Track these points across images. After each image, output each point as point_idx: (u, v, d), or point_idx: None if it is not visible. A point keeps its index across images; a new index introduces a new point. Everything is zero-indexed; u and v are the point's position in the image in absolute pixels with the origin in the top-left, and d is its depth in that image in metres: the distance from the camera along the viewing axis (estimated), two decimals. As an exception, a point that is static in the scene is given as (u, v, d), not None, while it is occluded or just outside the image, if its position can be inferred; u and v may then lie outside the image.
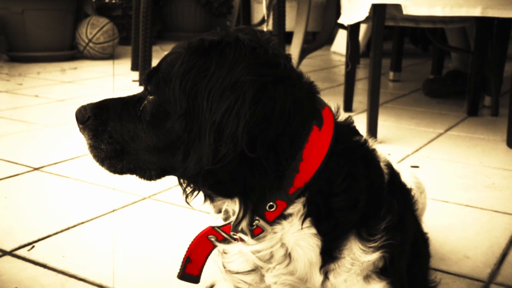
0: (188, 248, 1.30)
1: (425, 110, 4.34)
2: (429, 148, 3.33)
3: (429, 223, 2.06)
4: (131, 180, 2.62)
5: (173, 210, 2.36)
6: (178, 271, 1.32)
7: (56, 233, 2.12)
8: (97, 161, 1.28)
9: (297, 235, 1.19)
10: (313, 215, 1.17)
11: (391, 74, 5.61)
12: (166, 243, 2.07)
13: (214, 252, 1.33)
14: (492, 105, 4.21)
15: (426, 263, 1.63)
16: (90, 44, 6.36)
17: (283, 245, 1.20)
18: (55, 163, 2.89)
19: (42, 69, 5.75)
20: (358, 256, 1.21)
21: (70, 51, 6.43)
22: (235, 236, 1.23)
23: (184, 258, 1.31)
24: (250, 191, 1.15)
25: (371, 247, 1.20)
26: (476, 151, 3.28)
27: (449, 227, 2.23)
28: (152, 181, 1.29)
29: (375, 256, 1.21)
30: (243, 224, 1.18)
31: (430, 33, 4.56)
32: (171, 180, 2.74)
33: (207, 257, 1.32)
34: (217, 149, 1.07)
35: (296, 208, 1.17)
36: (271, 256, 1.21)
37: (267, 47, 1.17)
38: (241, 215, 1.17)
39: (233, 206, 1.20)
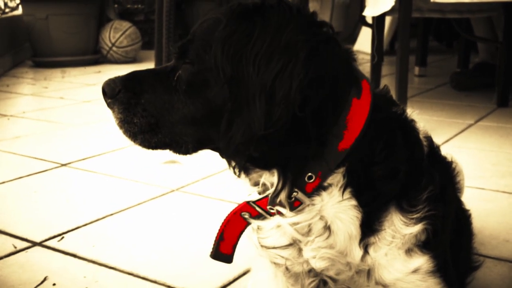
0: (221, 226, 1.26)
1: (453, 102, 4.25)
2: (460, 139, 3.24)
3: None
4: (159, 173, 2.61)
5: (201, 201, 2.33)
6: (211, 250, 1.28)
7: (85, 224, 2.11)
8: (129, 136, 1.22)
9: (336, 207, 1.13)
10: (353, 185, 1.12)
11: (416, 69, 5.51)
12: (195, 233, 2.04)
13: (249, 230, 1.29)
14: (523, 96, 4.11)
15: (469, 240, 1.56)
16: (114, 48, 6.38)
17: (322, 218, 1.15)
18: (83, 159, 2.89)
19: (66, 73, 5.79)
20: (399, 228, 1.15)
21: (93, 55, 6.46)
22: (271, 211, 1.18)
23: (216, 237, 1.27)
24: (290, 161, 1.10)
25: (412, 218, 1.15)
26: (510, 140, 3.19)
27: (486, 212, 2.15)
28: (188, 155, 1.23)
29: (417, 228, 1.15)
30: (282, 196, 1.13)
31: (457, 24, 4.47)
32: (199, 173, 2.68)
33: (239, 236, 1.27)
34: (269, 113, 1.02)
35: (336, 179, 1.12)
36: (310, 229, 1.16)
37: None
38: (280, 186, 1.12)
39: (271, 179, 1.15)
